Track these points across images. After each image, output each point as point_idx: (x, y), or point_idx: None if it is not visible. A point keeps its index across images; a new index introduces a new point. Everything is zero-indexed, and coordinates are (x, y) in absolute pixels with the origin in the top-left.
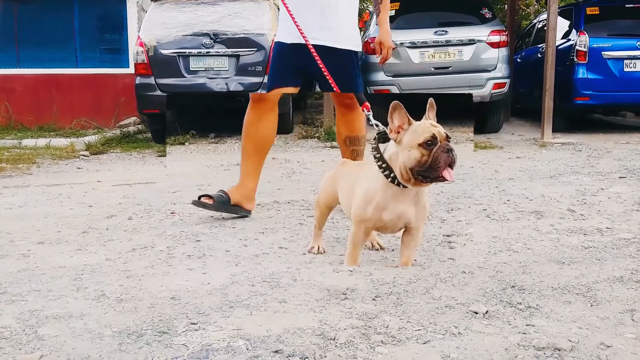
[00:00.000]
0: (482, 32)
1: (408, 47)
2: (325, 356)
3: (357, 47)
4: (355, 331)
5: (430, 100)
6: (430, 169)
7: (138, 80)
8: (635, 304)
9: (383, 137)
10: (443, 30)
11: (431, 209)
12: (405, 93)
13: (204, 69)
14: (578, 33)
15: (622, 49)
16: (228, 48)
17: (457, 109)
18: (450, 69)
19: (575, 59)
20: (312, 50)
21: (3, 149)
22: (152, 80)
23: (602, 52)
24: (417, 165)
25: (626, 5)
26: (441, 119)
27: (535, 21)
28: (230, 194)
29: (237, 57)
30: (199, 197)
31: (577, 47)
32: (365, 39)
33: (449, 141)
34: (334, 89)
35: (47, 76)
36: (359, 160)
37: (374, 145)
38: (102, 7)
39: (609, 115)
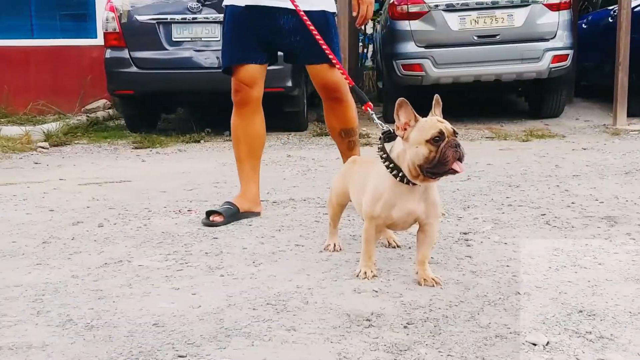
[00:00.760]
0: None
1: (444, 10)
2: None
3: (332, 7)
4: None
5: (436, 96)
6: (438, 164)
7: (108, 53)
8: None
9: (388, 137)
10: None
11: (448, 206)
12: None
13: (189, 39)
14: None
15: None
16: (219, 13)
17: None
18: (497, 37)
19: None
20: (301, 12)
21: None
22: (125, 53)
23: None
24: (425, 161)
25: None
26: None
27: None
28: (237, 204)
29: None
30: (208, 216)
31: None
32: (391, 0)
33: (456, 136)
34: (331, 62)
35: None
36: (355, 151)
37: (379, 145)
38: None
39: None
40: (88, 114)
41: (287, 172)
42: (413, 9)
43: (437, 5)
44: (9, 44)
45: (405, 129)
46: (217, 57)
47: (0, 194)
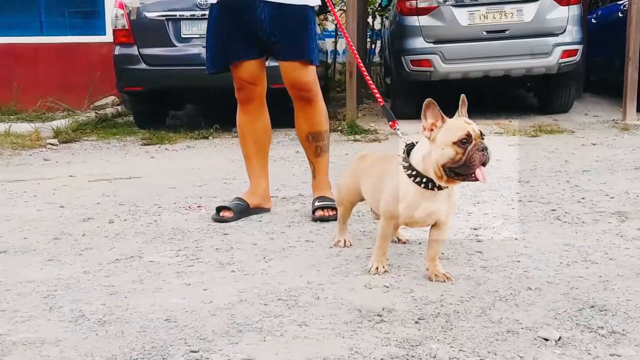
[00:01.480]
0: None
1: (453, 5)
2: None
3: (314, 1)
4: None
5: (462, 96)
6: (464, 166)
7: (117, 50)
8: None
9: (409, 150)
10: None
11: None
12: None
13: (198, 36)
14: None
15: None
16: None
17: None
18: (507, 33)
19: None
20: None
21: None
22: (134, 50)
23: None
24: (450, 162)
25: None
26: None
27: None
28: (247, 199)
29: None
30: (218, 212)
31: None
32: None
33: (482, 139)
34: (304, 60)
35: (4, 46)
36: (323, 158)
37: (403, 156)
38: None
39: None
40: (97, 111)
41: (296, 168)
42: (422, 4)
43: (446, 1)
44: (18, 41)
45: (431, 130)
46: None
47: (11, 190)
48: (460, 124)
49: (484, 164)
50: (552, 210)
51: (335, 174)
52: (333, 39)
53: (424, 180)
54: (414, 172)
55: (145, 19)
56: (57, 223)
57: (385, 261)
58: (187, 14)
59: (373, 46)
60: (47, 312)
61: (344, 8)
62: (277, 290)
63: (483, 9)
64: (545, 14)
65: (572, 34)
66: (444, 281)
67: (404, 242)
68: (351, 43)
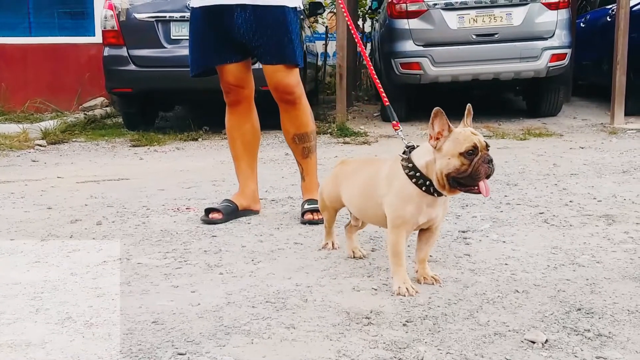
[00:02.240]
0: None
1: (443, 9)
2: None
3: (292, 1)
4: None
5: (469, 106)
6: (469, 178)
7: (107, 51)
8: None
9: (410, 151)
10: None
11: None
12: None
13: (188, 38)
14: None
15: None
16: None
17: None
18: (496, 36)
19: None
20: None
21: None
22: (124, 51)
23: None
24: (455, 172)
25: None
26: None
27: None
28: (236, 201)
29: None
30: (207, 214)
31: None
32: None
33: (488, 150)
34: (288, 63)
35: None
36: (311, 159)
37: (404, 157)
38: None
39: None
40: (86, 112)
41: (285, 170)
42: (412, 7)
43: (435, 4)
44: (7, 42)
45: (437, 139)
46: None
47: None
48: (467, 135)
49: (488, 177)
50: (540, 213)
51: (322, 176)
52: (323, 42)
53: (427, 183)
54: (417, 174)
55: (135, 20)
56: (44, 225)
57: (408, 279)
58: (177, 15)
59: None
60: (33, 314)
61: (334, 11)
62: (265, 293)
63: (472, 12)
64: (534, 17)
65: (561, 37)
66: (432, 284)
67: (361, 258)
68: (342, 46)
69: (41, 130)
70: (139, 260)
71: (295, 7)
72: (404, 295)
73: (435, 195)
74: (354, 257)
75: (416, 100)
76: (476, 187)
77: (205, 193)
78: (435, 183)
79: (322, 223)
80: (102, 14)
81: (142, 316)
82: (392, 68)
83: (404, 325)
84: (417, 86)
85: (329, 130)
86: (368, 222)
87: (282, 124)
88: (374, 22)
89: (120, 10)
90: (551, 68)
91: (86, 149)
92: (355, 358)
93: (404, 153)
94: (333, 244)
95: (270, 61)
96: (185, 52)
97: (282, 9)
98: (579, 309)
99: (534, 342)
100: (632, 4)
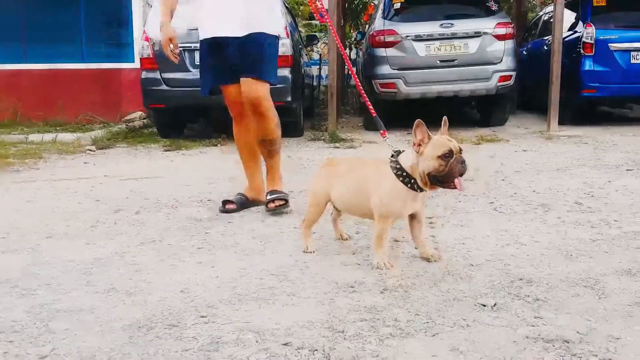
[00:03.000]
0: (488, 25)
1: (413, 40)
2: (334, 349)
3: (272, 30)
4: (363, 324)
5: (445, 118)
6: (446, 176)
7: (144, 74)
8: None
9: (397, 155)
10: (449, 23)
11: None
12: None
13: None
14: (585, 25)
15: (629, 41)
16: None
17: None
18: (456, 61)
19: (582, 51)
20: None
21: (10, 144)
22: (157, 74)
23: (609, 44)
24: (435, 172)
25: None
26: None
27: (541, 13)
28: (247, 194)
29: None
30: (224, 205)
31: (583, 39)
32: (371, 32)
33: (461, 153)
34: (257, 76)
35: (53, 71)
36: (275, 158)
37: (393, 160)
38: (107, 2)
39: (616, 108)
40: (127, 123)
41: (286, 169)
42: (389, 38)
43: (407, 36)
44: (64, 67)
45: (419, 145)
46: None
47: (56, 187)
48: (444, 141)
49: (461, 174)
50: (490, 202)
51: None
52: (318, 66)
53: (412, 181)
54: (404, 174)
55: None
56: (93, 214)
57: (386, 257)
58: None
59: (350, 72)
60: (84, 286)
61: (327, 42)
62: (271, 267)
63: (437, 42)
64: (486, 47)
65: (508, 62)
66: (436, 261)
67: (346, 239)
68: (334, 69)
69: (91, 138)
70: (169, 241)
71: (275, 35)
72: (382, 269)
73: (419, 191)
74: (341, 239)
75: (392, 112)
76: (452, 184)
77: (223, 188)
78: (418, 181)
79: (285, 211)
80: (140, 45)
81: (172, 287)
82: (373, 87)
83: (382, 292)
84: (393, 102)
85: (323, 137)
86: (353, 215)
87: (254, 130)
88: (358, 50)
89: (154, 41)
90: (500, 87)
91: (127, 153)
92: (342, 319)
93: (392, 157)
94: (308, 247)
95: (245, 74)
96: None
97: (261, 35)
98: (521, 279)
99: (485, 306)
100: (564, 35)
